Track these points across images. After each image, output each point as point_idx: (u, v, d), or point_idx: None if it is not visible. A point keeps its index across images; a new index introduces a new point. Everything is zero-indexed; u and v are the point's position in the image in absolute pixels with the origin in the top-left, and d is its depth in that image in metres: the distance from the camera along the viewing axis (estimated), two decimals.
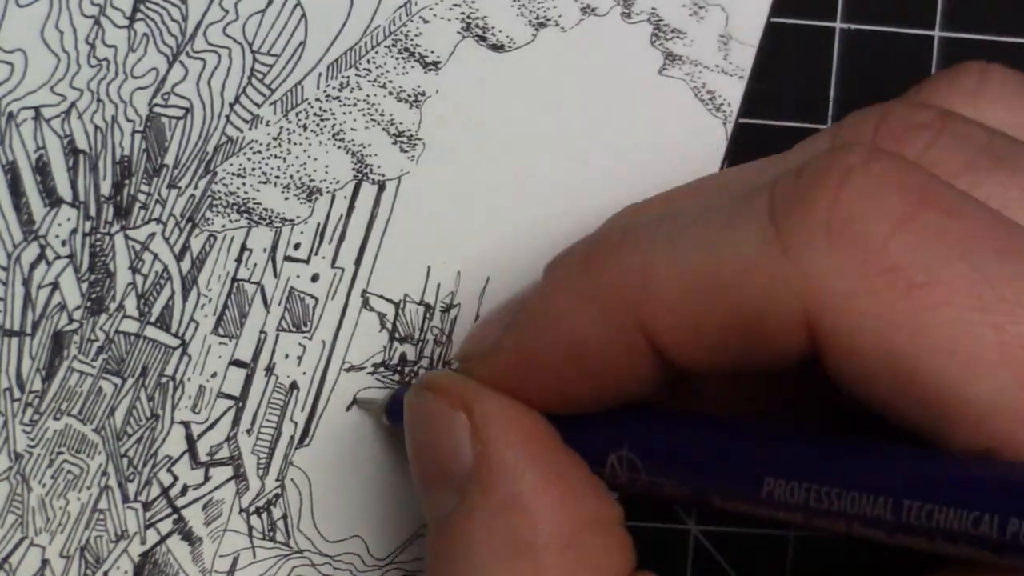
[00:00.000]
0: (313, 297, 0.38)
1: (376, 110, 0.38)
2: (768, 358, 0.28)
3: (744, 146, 0.39)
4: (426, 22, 0.38)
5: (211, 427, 0.38)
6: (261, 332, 0.38)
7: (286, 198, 0.38)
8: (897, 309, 0.26)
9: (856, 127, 0.31)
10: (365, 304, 0.38)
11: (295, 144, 0.38)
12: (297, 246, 0.38)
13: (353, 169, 0.38)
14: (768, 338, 0.27)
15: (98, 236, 0.37)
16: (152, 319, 0.38)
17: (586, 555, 0.29)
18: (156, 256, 0.38)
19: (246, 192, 0.38)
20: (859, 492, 0.27)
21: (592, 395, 0.30)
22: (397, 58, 0.38)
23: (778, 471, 0.28)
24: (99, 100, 0.37)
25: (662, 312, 0.28)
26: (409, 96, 0.38)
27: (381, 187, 0.38)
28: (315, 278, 0.38)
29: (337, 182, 0.38)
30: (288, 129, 0.38)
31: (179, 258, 0.38)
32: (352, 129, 0.38)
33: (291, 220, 0.38)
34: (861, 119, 0.32)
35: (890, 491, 0.27)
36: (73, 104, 0.37)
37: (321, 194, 0.38)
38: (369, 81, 0.38)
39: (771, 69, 0.39)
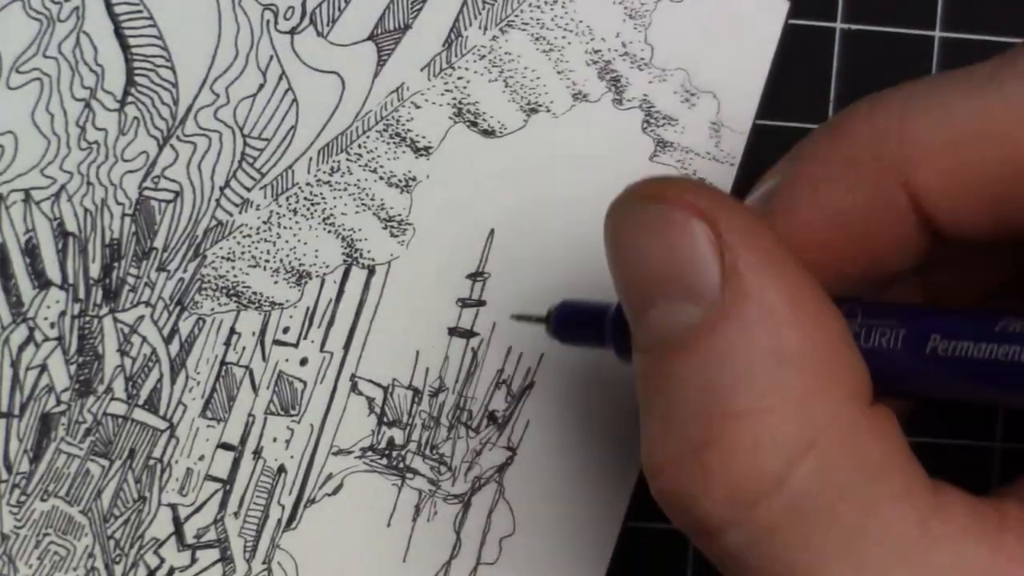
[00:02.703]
0: (302, 381, 0.37)
1: (367, 195, 0.37)
2: None
3: (747, 145, 0.38)
4: (418, 107, 0.37)
5: (198, 510, 0.37)
6: (249, 415, 0.37)
7: (275, 282, 0.37)
8: None
9: None
10: (354, 388, 0.37)
11: (285, 228, 0.37)
12: (286, 330, 0.37)
13: (343, 253, 0.37)
14: None
15: (87, 319, 0.36)
16: (140, 402, 0.36)
17: (842, 371, 0.27)
18: (144, 339, 0.36)
19: (235, 276, 0.36)
20: None
21: (858, 268, 0.28)
22: (388, 143, 0.37)
23: (1016, 317, 0.26)
24: (89, 183, 0.36)
25: (927, 167, 0.26)
26: (400, 181, 0.37)
27: (371, 271, 0.37)
28: (304, 362, 0.37)
29: (327, 266, 0.37)
30: (278, 213, 0.37)
31: (168, 341, 0.36)
32: (343, 214, 0.37)
33: (280, 304, 0.37)
34: None
35: None
36: (63, 187, 0.36)
37: (311, 278, 0.37)
38: (360, 166, 0.37)
39: (771, 69, 0.38)
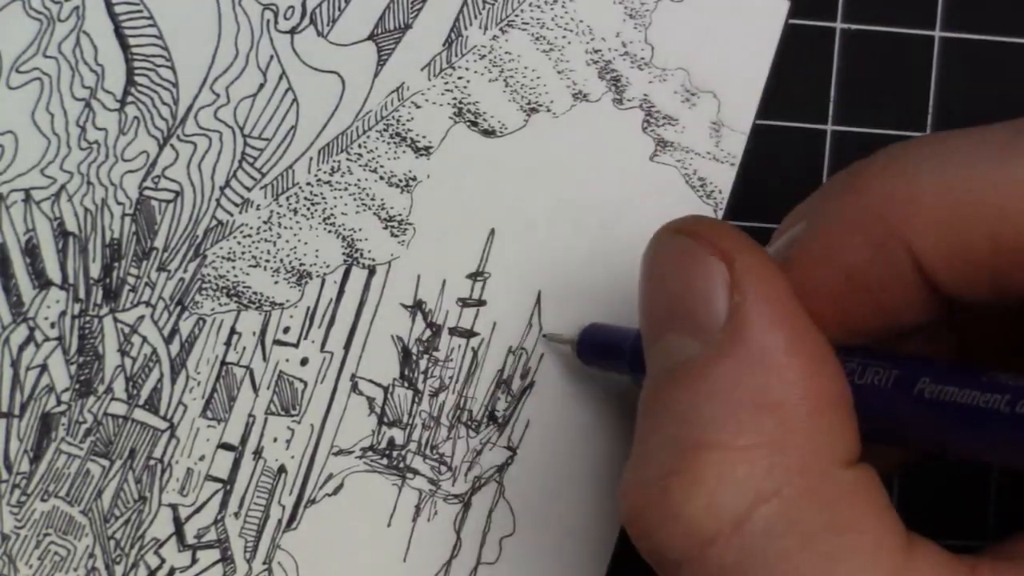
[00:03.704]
0: (302, 381, 0.36)
1: (367, 194, 0.36)
2: None
3: (745, 145, 0.38)
4: (418, 107, 0.36)
5: (199, 510, 0.36)
6: (250, 416, 0.36)
7: (276, 282, 0.36)
8: None
9: None
10: (354, 388, 0.37)
11: (285, 228, 0.36)
12: (286, 330, 0.36)
13: (343, 253, 0.36)
14: None
15: (87, 318, 0.36)
16: (140, 402, 0.36)
17: (826, 428, 0.27)
18: (145, 339, 0.36)
19: (236, 276, 0.36)
20: None
21: (868, 324, 0.28)
22: (388, 143, 0.36)
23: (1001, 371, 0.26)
24: (89, 183, 0.36)
25: (928, 234, 0.26)
26: (400, 181, 0.37)
27: (371, 271, 0.36)
28: (304, 362, 0.36)
29: (327, 266, 0.36)
30: (279, 213, 0.36)
31: (168, 341, 0.36)
32: (343, 213, 0.36)
33: (281, 304, 0.36)
34: None
35: None
36: (63, 187, 0.36)
37: (311, 278, 0.36)
38: (360, 165, 0.36)
39: (771, 69, 0.38)
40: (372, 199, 0.36)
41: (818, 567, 0.26)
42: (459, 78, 0.36)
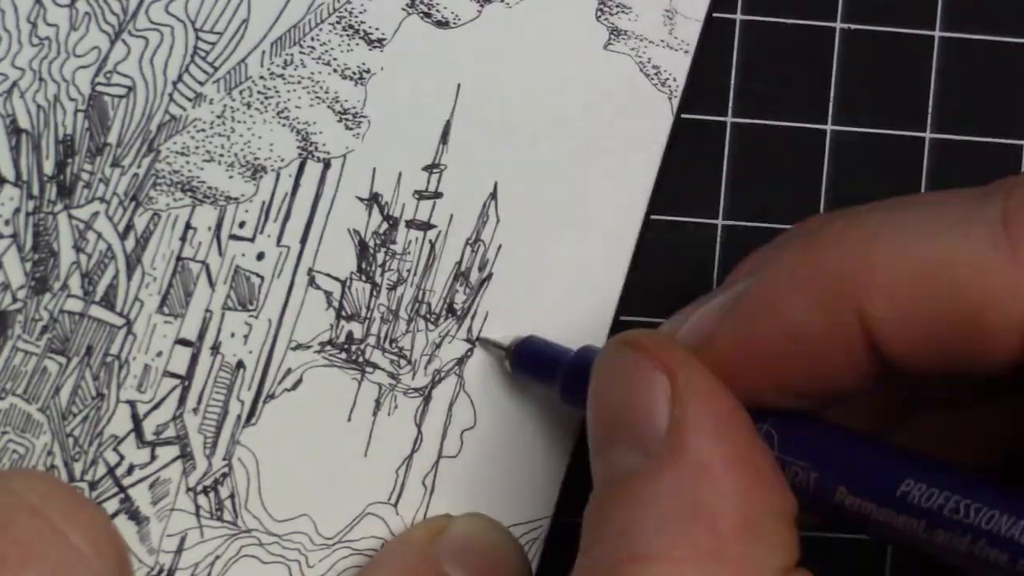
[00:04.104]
0: (259, 275, 0.36)
1: (321, 87, 0.36)
2: (979, 361, 0.26)
3: (744, 146, 0.37)
4: None
5: (157, 406, 0.36)
6: (207, 311, 0.36)
7: (230, 176, 0.36)
8: None
9: None
10: (311, 282, 0.36)
11: (239, 122, 0.36)
12: (242, 224, 0.36)
13: (298, 147, 0.36)
14: (984, 340, 0.26)
15: (41, 215, 0.36)
16: (97, 298, 0.36)
17: (762, 539, 0.27)
18: (100, 235, 0.36)
19: (190, 171, 0.36)
20: (1000, 511, 0.25)
21: (807, 386, 0.29)
22: (341, 35, 0.36)
23: (920, 475, 0.27)
24: (41, 79, 0.35)
25: (881, 299, 0.27)
26: (354, 73, 0.36)
27: (326, 165, 0.36)
28: (261, 256, 0.36)
29: (282, 160, 0.36)
30: (232, 107, 0.36)
31: (123, 237, 0.36)
32: (296, 107, 0.36)
33: (236, 198, 0.36)
34: None
35: None
36: (15, 83, 0.35)
37: (266, 172, 0.36)
38: (313, 59, 0.36)
39: (771, 69, 0.38)
40: (326, 92, 0.36)
41: None
42: None
